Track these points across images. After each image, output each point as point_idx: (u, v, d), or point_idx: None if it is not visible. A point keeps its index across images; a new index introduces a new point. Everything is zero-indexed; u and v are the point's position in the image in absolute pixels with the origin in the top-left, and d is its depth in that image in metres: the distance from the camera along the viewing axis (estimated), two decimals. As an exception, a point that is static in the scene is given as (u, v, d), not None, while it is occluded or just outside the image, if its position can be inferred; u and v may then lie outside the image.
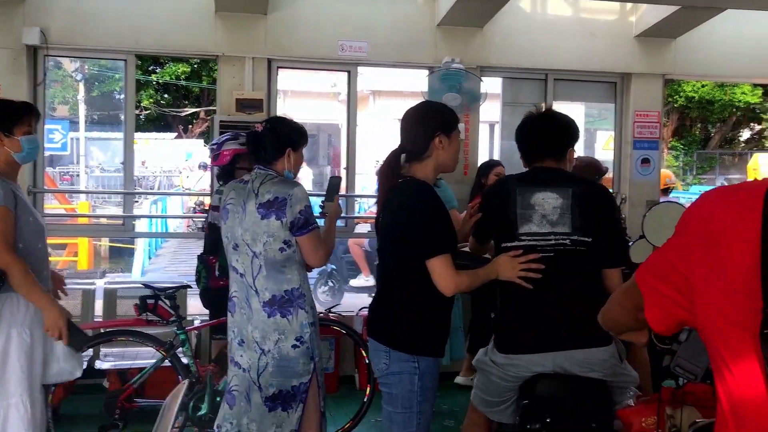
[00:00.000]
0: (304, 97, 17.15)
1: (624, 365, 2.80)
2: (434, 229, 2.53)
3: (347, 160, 5.68)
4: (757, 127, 23.76)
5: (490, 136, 11.58)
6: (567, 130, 2.88)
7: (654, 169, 5.87)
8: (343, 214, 3.36)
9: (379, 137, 17.20)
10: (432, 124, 2.63)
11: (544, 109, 2.98)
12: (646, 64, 5.76)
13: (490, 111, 6.24)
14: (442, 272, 2.49)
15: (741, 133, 24.44)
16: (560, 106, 7.20)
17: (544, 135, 2.83)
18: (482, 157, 5.79)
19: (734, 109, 22.05)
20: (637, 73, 5.78)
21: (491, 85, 5.63)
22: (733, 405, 1.14)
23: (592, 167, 4.58)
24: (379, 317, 2.67)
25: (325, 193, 3.29)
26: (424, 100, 3.55)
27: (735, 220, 1.14)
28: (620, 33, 5.74)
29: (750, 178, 13.27)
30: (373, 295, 2.82)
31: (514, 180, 2.86)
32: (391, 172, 2.65)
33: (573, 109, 8.02)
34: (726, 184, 5.34)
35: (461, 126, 5.32)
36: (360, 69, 5.56)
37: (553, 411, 2.58)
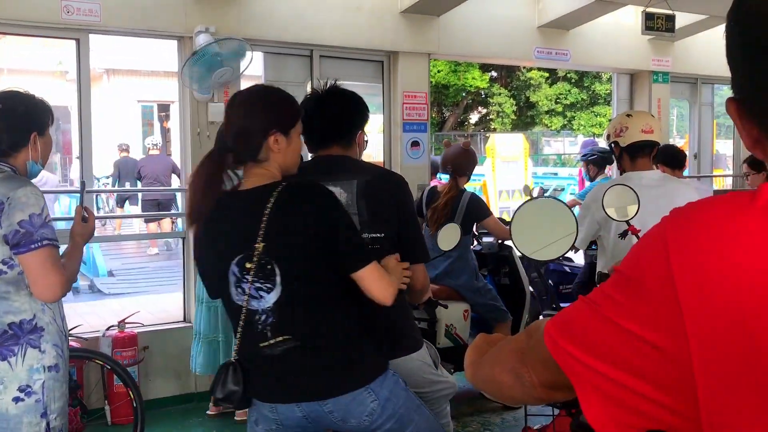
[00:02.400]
0: (24, 75, 15.01)
1: (439, 372, 2.51)
2: None
3: (81, 148, 4.68)
4: (484, 111, 25.87)
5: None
6: (355, 108, 2.46)
7: (423, 152, 5.71)
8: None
9: (117, 121, 15.60)
10: (264, 120, 2.03)
11: (328, 86, 2.49)
12: (412, 42, 5.54)
13: (251, 90, 5.60)
14: None
15: (471, 116, 26.46)
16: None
17: (328, 117, 2.39)
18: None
19: (466, 93, 23.76)
20: (404, 52, 5.54)
21: (253, 64, 5.00)
22: None
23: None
24: (331, 364, 2.03)
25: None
26: (260, 84, 2.78)
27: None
28: (386, 8, 5.43)
29: (488, 157, 14.31)
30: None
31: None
32: (211, 181, 2.01)
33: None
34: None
35: (220, 107, 4.67)
36: (92, 39, 4.59)
37: None
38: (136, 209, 11.01)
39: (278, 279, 1.93)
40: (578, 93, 23.81)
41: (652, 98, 7.01)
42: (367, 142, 2.55)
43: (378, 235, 2.29)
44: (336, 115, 2.41)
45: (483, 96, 24.95)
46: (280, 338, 1.96)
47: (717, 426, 0.70)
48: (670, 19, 6.02)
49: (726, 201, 0.74)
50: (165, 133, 17.05)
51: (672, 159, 4.95)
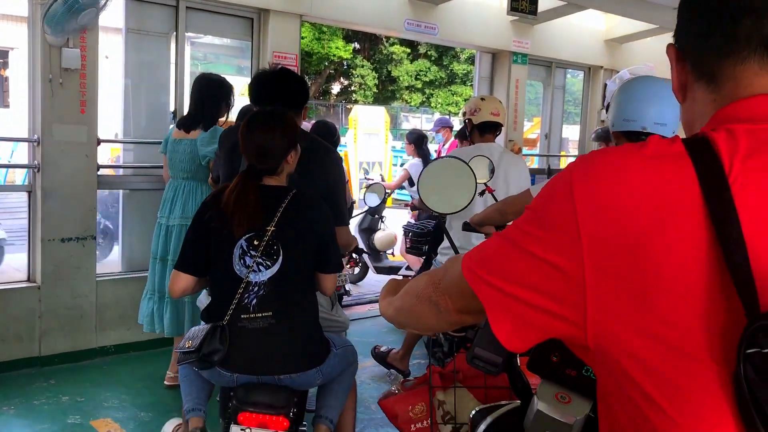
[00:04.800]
0: None
1: (335, 310, 2.96)
2: None
3: None
4: (346, 82, 25.90)
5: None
6: (307, 88, 2.94)
7: (292, 115, 5.62)
8: None
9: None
10: (283, 143, 2.50)
11: (278, 67, 2.93)
12: (284, 2, 5.40)
13: (111, 41, 5.27)
14: None
15: (333, 87, 26.40)
16: (197, 40, 6.53)
17: (290, 90, 2.86)
18: (108, 102, 4.82)
19: (328, 63, 23.62)
20: (275, 11, 5.39)
21: (112, 13, 4.66)
22: None
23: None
24: (295, 345, 2.44)
25: None
26: (270, 109, 2.87)
27: (662, 210, 0.79)
28: (259, -36, 5.26)
29: (351, 129, 14.33)
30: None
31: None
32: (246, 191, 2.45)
33: (207, 48, 7.35)
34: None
35: (75, 53, 4.34)
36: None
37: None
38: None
39: (280, 259, 2.39)
40: (437, 71, 24.43)
41: (511, 78, 7.33)
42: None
43: (312, 192, 2.63)
44: (296, 90, 2.87)
45: (346, 67, 24.95)
46: (260, 314, 2.35)
47: (599, 331, 0.83)
48: (534, 1, 6.31)
49: (622, 148, 0.86)
50: (2, 81, 15.62)
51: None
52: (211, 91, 4.20)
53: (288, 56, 5.50)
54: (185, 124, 4.22)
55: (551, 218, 0.86)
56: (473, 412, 1.81)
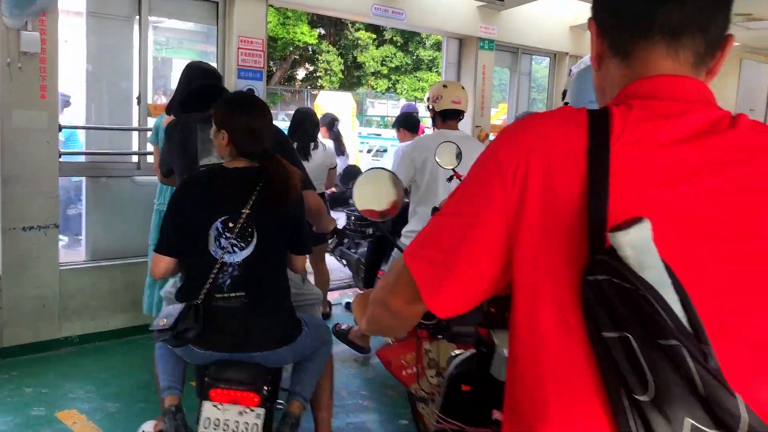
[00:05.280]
0: None
1: (305, 285, 3.08)
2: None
3: None
4: (312, 68, 25.69)
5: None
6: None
7: (258, 100, 5.54)
8: None
9: None
10: (271, 120, 2.66)
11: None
12: (250, -14, 5.33)
13: (72, 25, 5.13)
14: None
15: (298, 72, 26.17)
16: (160, 25, 6.39)
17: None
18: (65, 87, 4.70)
19: (293, 48, 23.39)
20: (241, -5, 5.31)
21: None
22: (539, 361, 0.96)
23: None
24: (268, 324, 2.52)
25: None
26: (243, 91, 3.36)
27: (558, 152, 0.94)
28: (224, -54, 5.17)
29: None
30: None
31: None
32: None
33: (170, 33, 7.21)
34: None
35: (34, 36, 4.22)
36: None
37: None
38: None
39: (254, 241, 2.46)
40: (403, 57, 24.38)
41: (478, 64, 7.34)
42: None
43: None
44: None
45: (311, 52, 24.74)
46: (234, 294, 2.42)
47: (524, 280, 0.96)
48: (500, -12, 6.31)
49: (540, 114, 1.01)
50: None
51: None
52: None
53: (254, 41, 5.42)
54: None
55: (484, 174, 0.99)
56: (449, 356, 2.12)
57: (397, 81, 24.77)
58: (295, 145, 5.22)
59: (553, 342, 0.94)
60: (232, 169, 2.55)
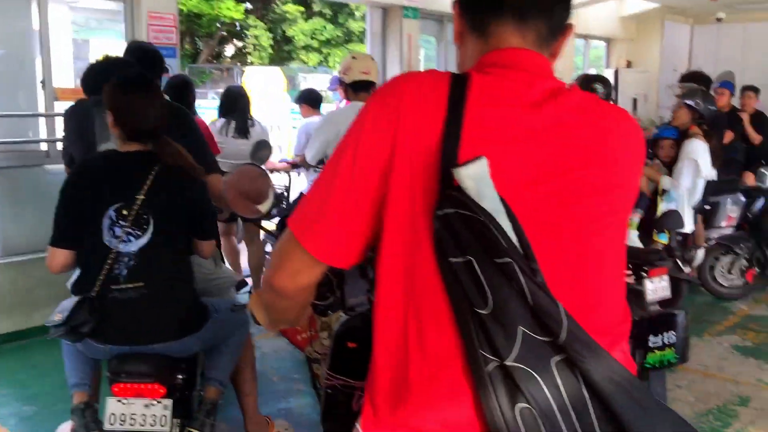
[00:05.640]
0: None
1: (218, 269, 3.01)
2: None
3: None
4: (240, 44, 25.09)
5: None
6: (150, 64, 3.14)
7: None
8: None
9: None
10: (160, 101, 2.53)
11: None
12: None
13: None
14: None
15: (226, 49, 25.52)
16: (76, 5, 6.04)
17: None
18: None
19: (220, 24, 22.77)
20: (147, -32, 5.05)
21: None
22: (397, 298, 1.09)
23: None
24: (171, 314, 2.41)
25: None
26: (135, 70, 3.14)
27: (424, 106, 1.06)
28: None
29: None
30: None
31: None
32: None
33: (90, 13, 6.83)
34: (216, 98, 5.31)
35: None
36: None
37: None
38: None
39: (150, 228, 2.33)
40: (333, 29, 24.03)
41: (403, 33, 7.23)
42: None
43: None
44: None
45: (238, 28, 24.14)
46: (131, 285, 2.31)
47: (390, 222, 1.06)
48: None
49: (410, 73, 1.13)
50: None
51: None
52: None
53: (165, 16, 5.18)
54: None
55: (356, 128, 1.09)
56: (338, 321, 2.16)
57: (329, 54, 24.42)
58: (233, 123, 5.08)
59: (412, 272, 1.06)
60: (125, 153, 2.42)
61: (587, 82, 5.33)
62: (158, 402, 2.32)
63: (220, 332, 2.60)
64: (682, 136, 5.04)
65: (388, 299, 1.10)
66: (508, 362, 0.95)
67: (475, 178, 0.97)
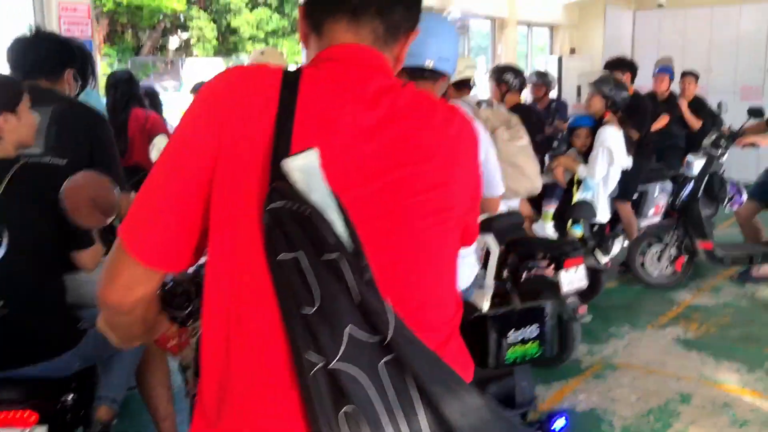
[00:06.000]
0: None
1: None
2: None
3: None
4: (185, 36, 24.49)
5: None
6: (64, 50, 2.79)
7: (91, 74, 4.99)
8: None
9: None
10: None
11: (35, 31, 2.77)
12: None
13: None
14: None
15: (170, 41, 24.90)
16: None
17: (37, 53, 2.68)
18: None
19: (163, 16, 22.17)
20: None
21: None
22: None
23: None
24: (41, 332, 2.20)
25: None
26: None
27: (251, 96, 1.05)
28: None
29: (185, 85, 13.51)
30: None
31: None
32: None
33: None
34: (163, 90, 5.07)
35: None
36: None
37: None
38: None
39: (4, 242, 2.11)
40: (279, 20, 23.65)
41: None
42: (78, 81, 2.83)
43: (60, 160, 2.46)
44: (45, 56, 2.68)
45: (182, 19, 23.55)
46: None
47: (217, 219, 1.04)
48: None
49: (256, 67, 1.11)
50: None
51: None
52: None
53: (78, 7, 4.86)
54: None
55: (182, 127, 1.08)
56: None
57: (276, 45, 24.01)
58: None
59: (241, 274, 1.02)
60: None
61: (499, 72, 5.22)
62: (31, 430, 2.11)
63: (101, 345, 2.34)
64: (597, 124, 4.93)
65: (212, 304, 1.07)
66: (334, 363, 0.92)
67: (304, 170, 0.95)
